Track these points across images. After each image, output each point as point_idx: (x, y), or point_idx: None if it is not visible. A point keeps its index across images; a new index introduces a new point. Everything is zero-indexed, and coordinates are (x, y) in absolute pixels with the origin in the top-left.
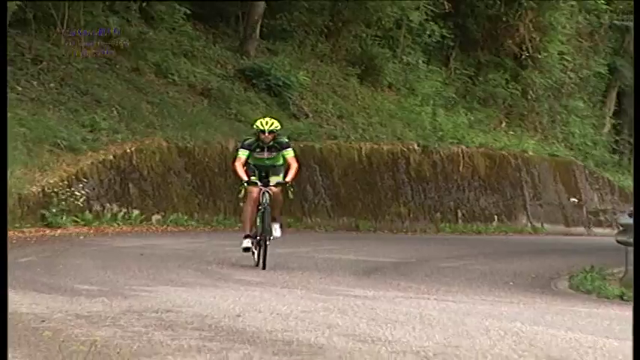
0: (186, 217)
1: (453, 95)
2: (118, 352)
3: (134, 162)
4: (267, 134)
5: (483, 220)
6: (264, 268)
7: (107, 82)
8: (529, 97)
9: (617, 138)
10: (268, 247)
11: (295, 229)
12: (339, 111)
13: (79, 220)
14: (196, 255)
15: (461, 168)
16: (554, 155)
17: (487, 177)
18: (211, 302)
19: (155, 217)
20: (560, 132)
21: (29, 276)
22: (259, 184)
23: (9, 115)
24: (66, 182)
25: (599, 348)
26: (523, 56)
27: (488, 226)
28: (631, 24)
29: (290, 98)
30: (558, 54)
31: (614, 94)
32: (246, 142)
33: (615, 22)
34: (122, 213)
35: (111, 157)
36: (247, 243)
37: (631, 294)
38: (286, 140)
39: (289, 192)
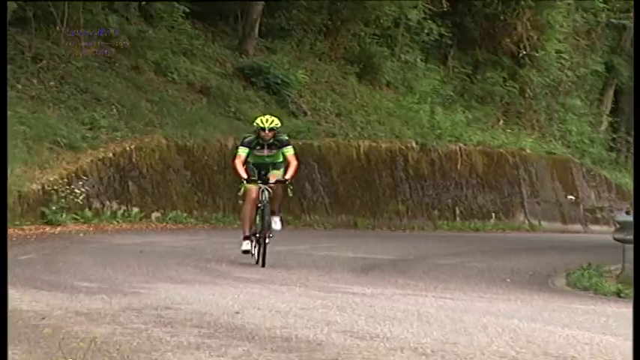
0: (185, 215)
1: (451, 93)
2: (118, 349)
3: (134, 160)
4: (267, 132)
5: (481, 217)
6: (263, 265)
7: (107, 80)
8: (526, 95)
9: (614, 136)
10: (268, 245)
11: (294, 226)
12: (338, 109)
13: (78, 217)
14: (195, 252)
15: (459, 166)
16: (552, 153)
17: (485, 175)
18: (210, 299)
19: (154, 215)
20: (558, 130)
21: (29, 273)
22: (259, 182)
23: (9, 113)
24: (66, 180)
25: (595, 344)
26: (521, 54)
27: (486, 224)
28: (628, 22)
29: (289, 96)
30: (556, 52)
31: (611, 92)
32: (246, 139)
33: (612, 20)
34: (122, 210)
35: (110, 154)
36: (246, 245)
37: (628, 291)
38: (286, 138)
39: (289, 190)
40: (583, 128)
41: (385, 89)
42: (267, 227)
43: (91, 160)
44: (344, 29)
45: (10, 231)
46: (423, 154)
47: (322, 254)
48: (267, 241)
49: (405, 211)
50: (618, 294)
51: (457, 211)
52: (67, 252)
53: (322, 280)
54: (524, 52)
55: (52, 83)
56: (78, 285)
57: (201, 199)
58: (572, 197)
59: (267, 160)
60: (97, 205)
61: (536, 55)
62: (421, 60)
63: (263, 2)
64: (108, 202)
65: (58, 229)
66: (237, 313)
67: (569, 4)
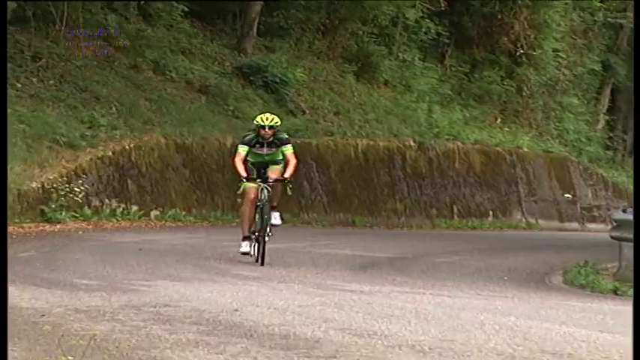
0: (184, 213)
1: (449, 92)
2: (117, 346)
3: (133, 158)
4: (267, 130)
5: (478, 215)
6: (262, 264)
7: (106, 79)
8: (524, 94)
9: (611, 134)
10: (267, 243)
11: (292, 224)
12: (336, 108)
13: (78, 215)
14: (194, 250)
15: (456, 164)
16: (549, 151)
17: (482, 173)
18: (209, 297)
19: (153, 213)
20: (555, 128)
21: (29, 271)
22: (258, 181)
23: (9, 111)
24: (65, 178)
25: (592, 342)
26: (518, 53)
27: (484, 222)
28: (624, 21)
29: (287, 95)
30: (553, 51)
31: (607, 91)
32: (246, 137)
33: (609, 19)
34: (121, 209)
35: (110, 153)
36: (245, 247)
37: (624, 288)
38: (286, 136)
39: (288, 188)
40: (580, 127)
41: (383, 88)
42: (266, 226)
43: (91, 159)
44: (342, 28)
45: (9, 229)
46: (421, 153)
47: (320, 252)
48: (266, 239)
49: (402, 209)
50: (615, 292)
51: (455, 210)
52: (67, 250)
53: (320, 278)
54: (522, 51)
55: (51, 82)
56: (77, 282)
57: (200, 197)
58: (569, 195)
59: (267, 158)
60: (96, 203)
61: (534, 53)
62: (419, 59)
63: (261, 1)
64: (107, 201)
65: (58, 227)
66: (236, 310)
67: (566, 3)
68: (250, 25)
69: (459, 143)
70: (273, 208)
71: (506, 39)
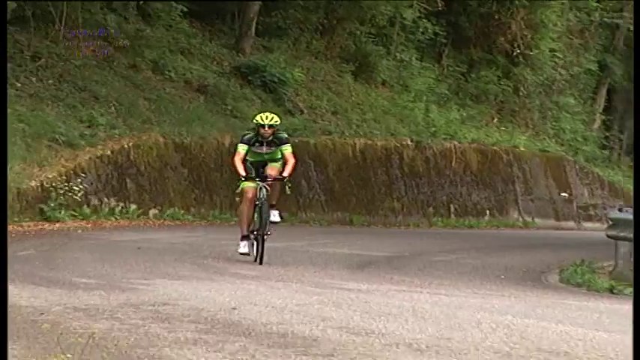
0: (182, 212)
1: (446, 92)
2: (116, 345)
3: (131, 157)
4: (266, 128)
5: (475, 214)
6: (261, 263)
7: (105, 78)
8: (520, 94)
9: (607, 134)
10: (265, 242)
11: (290, 223)
12: (334, 107)
13: (77, 214)
14: (193, 249)
15: (453, 163)
16: (545, 151)
17: (479, 172)
18: (207, 295)
19: (152, 212)
20: (551, 128)
21: (28, 269)
22: (257, 180)
23: (8, 110)
24: (64, 177)
25: (588, 340)
26: (515, 53)
27: (480, 221)
28: (621, 22)
29: (285, 94)
30: (549, 51)
31: (604, 91)
32: (246, 136)
33: (605, 19)
34: (120, 207)
35: (108, 152)
36: (244, 248)
37: (620, 287)
38: (285, 136)
39: (287, 187)
40: (576, 126)
41: (381, 87)
42: (265, 225)
43: (90, 158)
44: (340, 28)
45: (9, 227)
46: (418, 152)
47: (318, 251)
48: (265, 238)
49: (400, 208)
50: (611, 290)
51: (452, 209)
52: (66, 248)
53: (318, 277)
54: (519, 51)
55: (50, 81)
56: (76, 281)
57: (199, 196)
58: (566, 194)
59: (266, 157)
60: (95, 202)
61: (530, 53)
62: (416, 59)
63: (260, 1)
64: (106, 199)
65: (57, 225)
66: (234, 309)
67: (562, 3)
68: (249, 25)
69: (456, 142)
70: (272, 207)
71: (503, 39)
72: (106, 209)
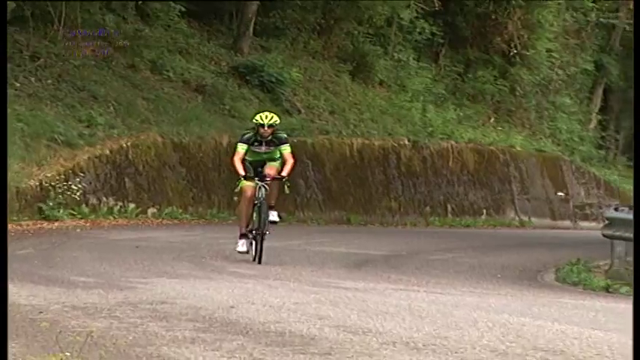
0: (180, 211)
1: (443, 92)
2: (114, 343)
3: (130, 157)
4: (266, 128)
5: (472, 213)
6: (259, 262)
7: (103, 78)
8: (517, 94)
9: (603, 134)
10: (264, 241)
11: (288, 222)
12: (331, 107)
13: (75, 213)
14: (191, 248)
15: (450, 163)
16: (542, 150)
17: (476, 172)
18: (205, 294)
19: (150, 211)
20: (548, 128)
21: (27, 268)
22: (255, 179)
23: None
24: (63, 176)
25: (584, 339)
26: (511, 53)
27: (477, 220)
28: (617, 22)
29: (283, 94)
30: (546, 51)
31: (600, 91)
32: (245, 136)
33: (601, 19)
34: (118, 206)
35: (107, 151)
36: (242, 246)
37: (616, 286)
38: (285, 136)
39: (285, 187)
40: (572, 126)
41: (378, 87)
42: (264, 224)
43: (88, 157)
44: (337, 28)
45: (8, 226)
46: (415, 152)
47: (316, 250)
48: (264, 237)
49: (397, 207)
50: (607, 289)
51: (449, 208)
52: (64, 247)
53: (315, 276)
54: (515, 51)
55: (49, 81)
56: (75, 280)
57: (197, 195)
58: (562, 194)
59: (264, 156)
60: (93, 201)
61: (527, 53)
62: (413, 59)
63: (258, 2)
64: (104, 199)
65: (56, 224)
66: (232, 307)
67: (559, 3)
68: (247, 25)
69: (452, 142)
70: (271, 208)
71: (499, 39)
72: (105, 208)
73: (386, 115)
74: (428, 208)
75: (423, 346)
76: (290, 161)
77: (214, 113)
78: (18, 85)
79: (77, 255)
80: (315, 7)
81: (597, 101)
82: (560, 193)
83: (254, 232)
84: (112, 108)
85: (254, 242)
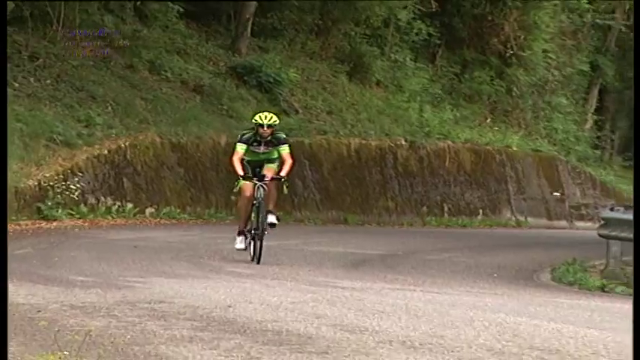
0: (178, 211)
1: (440, 92)
2: (112, 342)
3: (128, 157)
4: (265, 128)
5: (468, 213)
6: (258, 262)
7: (102, 78)
8: (513, 94)
9: (599, 134)
10: (264, 241)
11: (285, 222)
12: (329, 107)
13: (74, 213)
14: (189, 247)
15: (447, 163)
16: (538, 151)
17: (472, 172)
18: (203, 293)
19: (149, 210)
20: (544, 128)
21: (25, 268)
22: (254, 179)
23: None
24: (61, 176)
25: (580, 338)
26: (508, 54)
27: (473, 220)
28: (613, 23)
29: (280, 95)
30: (542, 52)
31: (596, 91)
32: (245, 136)
33: (597, 20)
34: (116, 206)
35: (105, 151)
36: (241, 244)
37: (612, 285)
38: (284, 136)
39: (284, 187)
40: (568, 126)
41: (375, 88)
42: (262, 224)
43: (87, 157)
44: (335, 29)
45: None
46: (412, 152)
47: (313, 249)
48: (262, 237)
49: (394, 207)
50: (602, 289)
51: (445, 208)
52: (63, 247)
53: (313, 275)
54: (512, 52)
55: (48, 81)
56: (73, 279)
57: (195, 195)
58: (558, 194)
59: (263, 157)
60: (92, 200)
61: (523, 54)
62: (410, 59)
63: (255, 2)
64: (103, 198)
65: (54, 224)
66: (230, 306)
67: (555, 4)
68: (244, 26)
69: (449, 142)
70: (270, 212)
71: (496, 40)
72: (103, 208)
73: (383, 116)
74: (424, 208)
75: (420, 345)
76: (288, 161)
77: (212, 113)
78: (17, 85)
79: (75, 254)
80: (313, 7)
81: (593, 102)
82: (556, 193)
83: (252, 231)
84: (110, 108)
85: (253, 242)
